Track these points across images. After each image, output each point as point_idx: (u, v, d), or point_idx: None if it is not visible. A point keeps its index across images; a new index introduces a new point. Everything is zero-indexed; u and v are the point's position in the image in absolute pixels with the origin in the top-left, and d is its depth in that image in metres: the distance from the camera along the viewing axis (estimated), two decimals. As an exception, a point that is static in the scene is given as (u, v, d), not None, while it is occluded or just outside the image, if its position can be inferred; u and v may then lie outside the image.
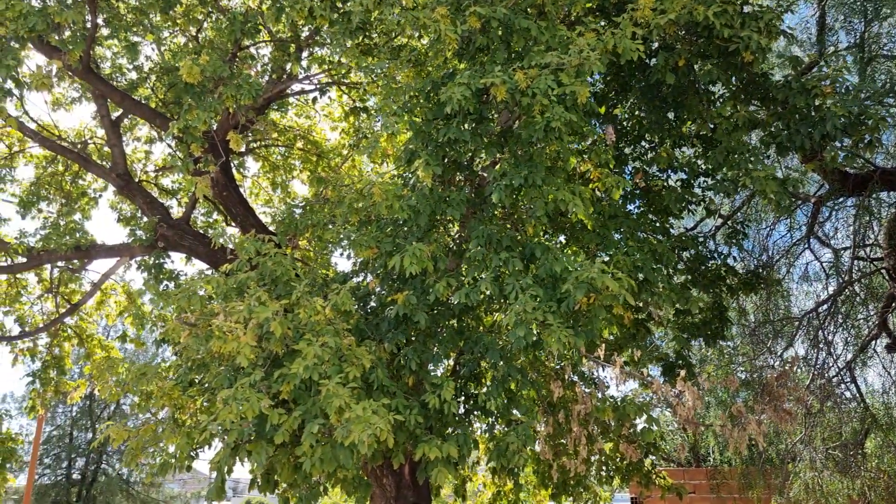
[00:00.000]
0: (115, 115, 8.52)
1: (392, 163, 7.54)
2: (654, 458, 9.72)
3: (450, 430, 5.18)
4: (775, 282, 8.26)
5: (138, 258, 8.03)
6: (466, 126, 5.19)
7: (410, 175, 5.49)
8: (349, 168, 9.04)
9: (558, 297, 4.68)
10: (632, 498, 12.48)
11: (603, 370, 6.10)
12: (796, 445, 10.17)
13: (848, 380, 9.43)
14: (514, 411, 5.37)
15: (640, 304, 7.37)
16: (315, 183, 7.97)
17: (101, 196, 9.59)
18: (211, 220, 9.30)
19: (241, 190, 8.76)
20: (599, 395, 5.91)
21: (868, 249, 9.19)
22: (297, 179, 10.04)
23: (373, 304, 5.89)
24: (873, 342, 9.36)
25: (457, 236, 6.01)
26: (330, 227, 5.94)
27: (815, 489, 9.66)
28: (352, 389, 4.25)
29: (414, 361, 5.11)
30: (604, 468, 9.00)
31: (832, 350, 9.37)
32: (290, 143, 9.43)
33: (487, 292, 4.78)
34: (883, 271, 8.72)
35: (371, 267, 5.99)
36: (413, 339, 5.32)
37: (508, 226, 5.62)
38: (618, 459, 8.91)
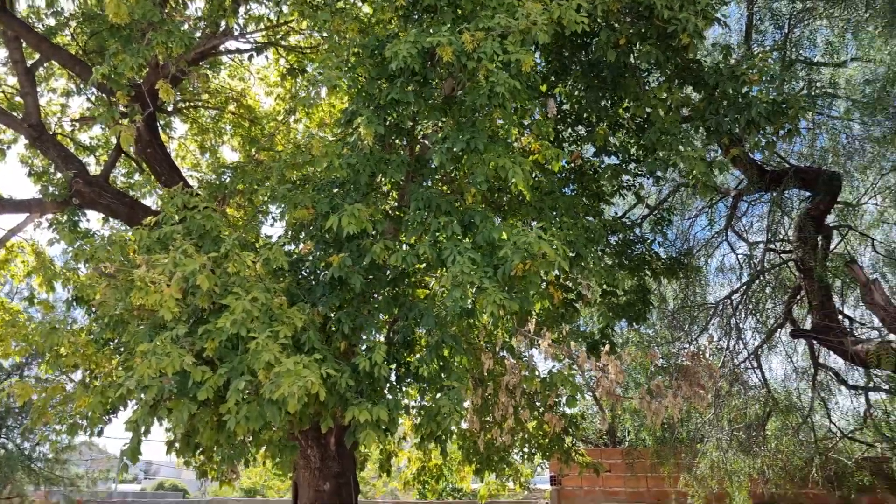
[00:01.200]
0: (29, 62, 7.94)
1: (330, 131, 7.38)
2: (573, 437, 10.01)
3: (381, 395, 5.14)
4: (695, 269, 8.64)
5: (49, 215, 7.53)
6: (410, 88, 5.13)
7: (350, 136, 5.38)
8: (284, 135, 8.77)
9: (495, 264, 4.72)
10: (551, 476, 12.81)
11: (532, 345, 6.20)
12: (705, 426, 10.70)
13: (754, 365, 10.00)
14: (446, 378, 5.38)
15: (570, 284, 7.57)
16: (247, 145, 7.68)
17: (9, 148, 8.92)
18: (132, 182, 8.81)
19: (167, 151, 8.35)
20: (528, 366, 6.00)
21: (779, 244, 9.76)
22: (228, 145, 9.67)
23: (306, 269, 5.75)
24: (779, 330, 9.94)
25: (396, 203, 5.96)
26: (262, 187, 5.74)
27: (720, 467, 10.20)
28: (282, 346, 4.12)
29: (347, 325, 5.03)
30: (526, 445, 9.22)
31: (742, 336, 9.91)
32: (221, 106, 9.06)
33: (425, 256, 4.75)
34: (791, 264, 9.27)
35: (305, 231, 5.85)
36: (347, 303, 5.23)
37: (448, 192, 5.61)
38: (540, 436, 9.15)
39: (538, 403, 8.72)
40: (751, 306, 9.92)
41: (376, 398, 4.97)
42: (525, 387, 5.71)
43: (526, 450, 9.29)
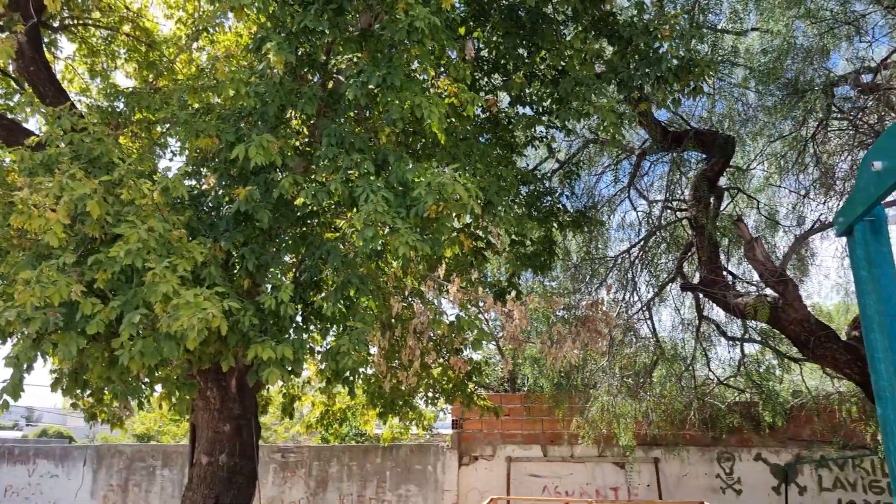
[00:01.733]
0: None
1: (237, 62, 6.96)
2: (476, 382, 10.33)
3: (286, 335, 5.04)
4: (598, 223, 8.98)
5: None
6: (325, 17, 4.90)
7: (259, 63, 5.09)
8: (185, 64, 8.19)
9: (408, 205, 4.68)
10: (453, 420, 13.22)
11: (441, 291, 6.27)
12: (598, 373, 11.34)
13: (646, 317, 10.63)
14: (352, 319, 5.35)
15: (480, 233, 7.68)
16: (144, 71, 7.11)
17: None
18: (11, 104, 7.99)
19: (53, 72, 7.61)
20: (436, 311, 6.08)
21: (676, 203, 10.30)
22: (121, 71, 8.92)
23: (208, 203, 5.47)
24: (670, 284, 10.58)
25: (306, 138, 5.75)
26: (161, 110, 5.35)
27: (609, 411, 10.88)
28: (181, 279, 3.92)
29: (251, 262, 4.86)
30: (430, 390, 9.43)
31: (636, 290, 10.47)
32: (114, 27, 8.31)
33: (337, 194, 4.63)
34: (685, 222, 9.83)
35: (208, 164, 5.55)
36: (252, 239, 5.04)
37: (361, 130, 5.47)
38: (444, 382, 9.37)
39: (444, 350, 8.91)
40: (646, 261, 10.48)
41: (281, 338, 4.88)
42: (433, 330, 5.78)
43: (430, 394, 9.52)
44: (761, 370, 11.49)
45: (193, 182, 6.05)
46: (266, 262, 5.00)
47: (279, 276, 4.98)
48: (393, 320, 6.32)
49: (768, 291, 7.89)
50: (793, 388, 11.85)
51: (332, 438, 14.75)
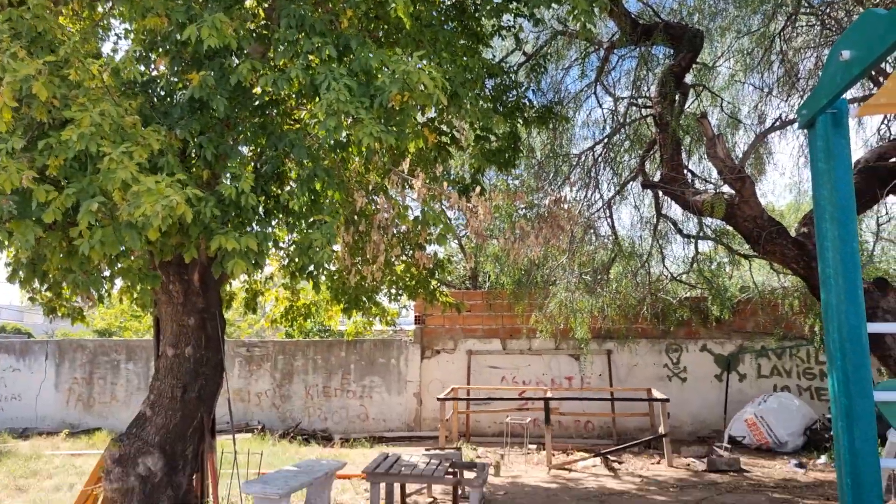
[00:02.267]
0: None
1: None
2: (438, 279, 10.52)
3: (248, 227, 4.99)
4: (564, 119, 8.92)
5: None
6: None
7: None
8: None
9: (371, 94, 4.53)
10: (416, 316, 13.58)
11: (405, 186, 6.22)
12: (557, 270, 11.67)
13: (607, 215, 10.83)
14: (318, 213, 5.30)
15: (444, 128, 7.55)
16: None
17: None
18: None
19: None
20: (401, 205, 6.06)
21: (641, 100, 10.25)
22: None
23: (161, 90, 5.21)
24: (631, 183, 10.72)
25: (262, 21, 5.43)
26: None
27: (567, 306, 11.30)
28: (138, 165, 3.78)
29: (209, 152, 4.71)
30: (394, 287, 9.58)
31: (598, 187, 10.60)
32: None
33: (297, 80, 4.45)
34: (650, 119, 9.83)
35: (158, 47, 5.23)
36: (209, 128, 4.86)
37: (322, 12, 5.18)
38: (407, 278, 9.52)
39: (409, 246, 9.00)
40: (609, 159, 10.55)
41: (243, 230, 4.83)
42: (398, 225, 5.79)
43: (393, 291, 9.68)
44: (713, 267, 11.98)
45: (143, 67, 5.72)
46: (225, 152, 4.85)
47: (239, 166, 4.85)
48: (356, 216, 6.29)
49: (726, 189, 8.08)
50: (741, 284, 12.45)
51: (296, 334, 15.03)
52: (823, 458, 10.21)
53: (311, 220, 5.19)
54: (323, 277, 5.95)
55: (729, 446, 10.99)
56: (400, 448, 11.04)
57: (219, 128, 4.85)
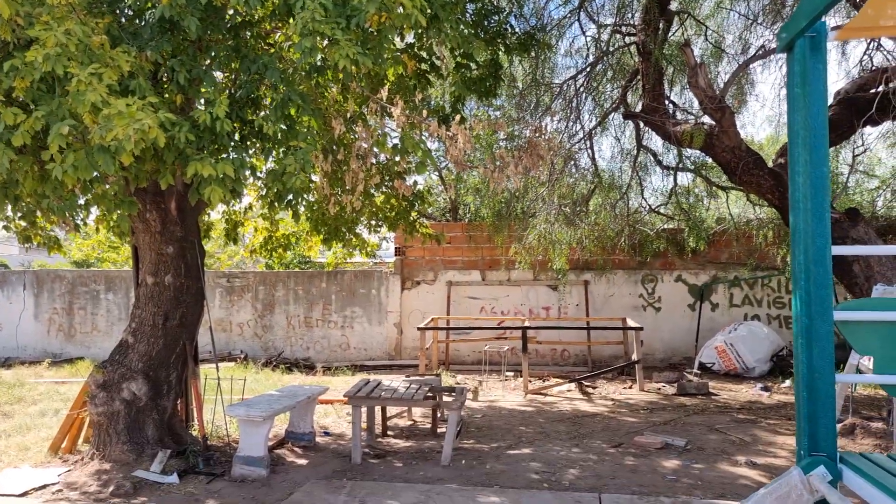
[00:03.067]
0: None
1: None
2: (418, 210, 10.52)
3: (224, 153, 4.91)
4: (547, 46, 8.75)
5: None
6: None
7: None
8: None
9: (348, 14, 4.40)
10: (396, 247, 13.65)
11: (384, 114, 6.11)
12: (537, 202, 11.72)
13: (587, 146, 10.81)
14: (293, 139, 5.23)
15: (424, 54, 7.38)
16: None
17: None
18: None
19: None
20: (379, 133, 5.98)
21: (626, 28, 10.05)
22: None
23: (129, 9, 5.00)
24: (612, 114, 10.66)
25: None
26: None
27: (546, 237, 11.42)
28: (108, 87, 3.67)
29: (182, 75, 4.58)
30: (374, 218, 9.58)
31: (580, 118, 10.52)
32: None
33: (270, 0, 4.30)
34: (633, 48, 9.68)
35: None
36: (181, 50, 4.70)
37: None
38: (387, 210, 9.51)
39: (388, 177, 8.94)
40: (591, 89, 10.43)
41: (219, 156, 4.76)
42: (377, 151, 5.73)
43: (373, 222, 9.69)
44: (690, 199, 12.12)
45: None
46: (198, 76, 4.72)
47: (213, 91, 4.74)
48: (335, 145, 6.20)
49: (706, 119, 8.08)
50: (717, 216, 12.64)
51: (276, 265, 15.07)
52: (787, 382, 10.69)
53: (287, 146, 5.12)
54: (302, 207, 5.92)
55: (699, 372, 11.42)
56: (381, 376, 11.32)
57: (191, 50, 4.70)
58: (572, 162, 10.97)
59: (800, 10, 2.88)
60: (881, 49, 8.53)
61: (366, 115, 6.27)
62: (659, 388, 10.68)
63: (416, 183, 8.90)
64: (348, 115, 6.11)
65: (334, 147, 6.50)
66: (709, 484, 5.99)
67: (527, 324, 11.23)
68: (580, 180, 11.44)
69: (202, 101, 4.68)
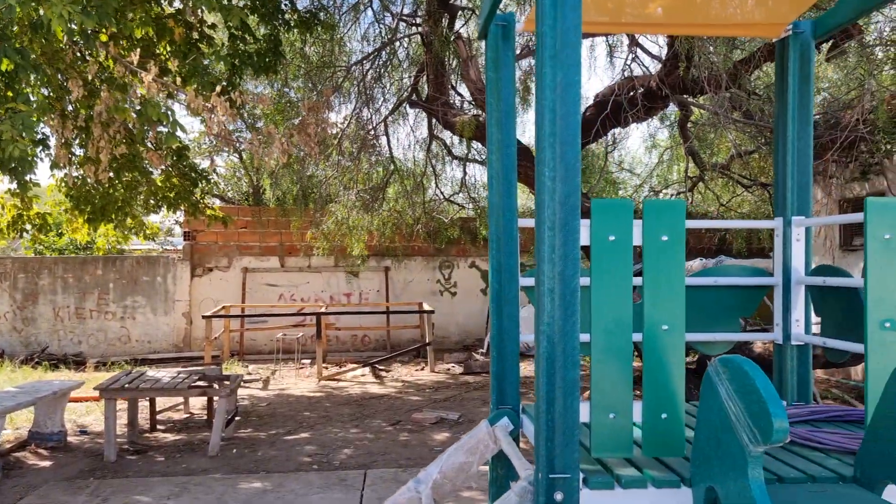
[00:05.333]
0: None
1: None
2: (202, 190, 9.95)
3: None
4: (331, 27, 8.67)
5: None
6: None
7: None
8: None
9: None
10: (185, 232, 12.81)
11: (134, 77, 5.64)
12: (336, 188, 11.67)
13: (381, 133, 10.95)
14: (13, 101, 4.65)
15: (193, 21, 6.96)
16: None
17: None
18: None
19: None
20: (122, 96, 5.51)
21: (416, 18, 10.28)
22: None
23: None
24: (407, 102, 10.88)
25: None
26: None
27: (344, 223, 11.42)
28: None
29: None
30: (152, 198, 8.90)
31: (373, 103, 10.61)
32: None
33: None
34: (419, 38, 9.94)
35: None
36: None
37: None
38: (167, 189, 8.89)
39: (173, 155, 8.33)
40: (383, 76, 10.56)
41: None
42: (117, 118, 5.27)
43: (151, 202, 9.00)
44: (480, 189, 12.78)
45: None
46: None
47: None
48: (76, 105, 5.60)
49: (478, 111, 8.53)
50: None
51: (46, 251, 13.47)
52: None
53: (7, 108, 4.54)
54: (32, 177, 5.28)
55: (485, 351, 12.12)
56: (166, 369, 10.60)
57: None
58: (369, 149, 11.05)
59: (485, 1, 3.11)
60: (637, 60, 9.60)
61: (115, 78, 5.73)
62: (449, 369, 11.17)
63: (192, 165, 8.40)
64: (90, 78, 5.56)
65: (77, 110, 5.89)
66: (464, 452, 6.35)
67: (327, 310, 11.15)
68: (376, 166, 11.56)
69: None
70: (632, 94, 8.57)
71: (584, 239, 2.10)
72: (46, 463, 6.22)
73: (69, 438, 6.94)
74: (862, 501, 1.69)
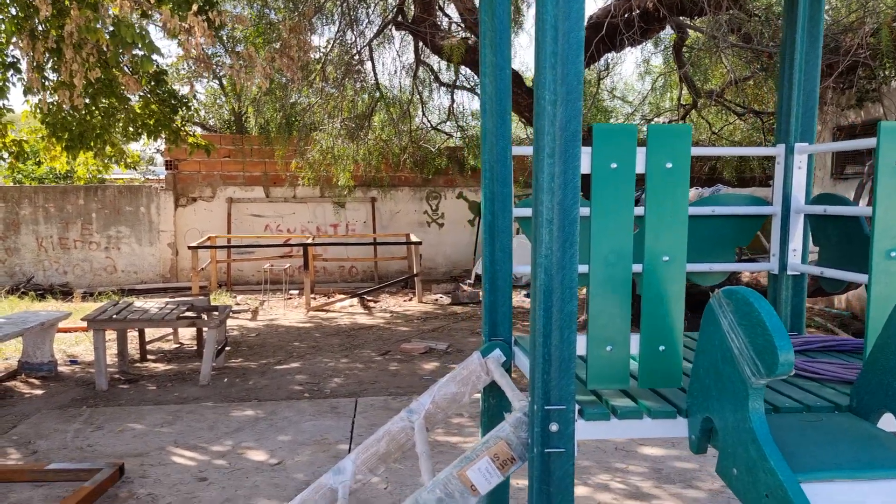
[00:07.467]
0: None
1: None
2: (185, 117, 9.65)
3: None
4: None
5: None
6: None
7: None
8: None
9: None
10: (167, 161, 12.51)
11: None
12: (320, 116, 11.36)
13: (366, 58, 10.56)
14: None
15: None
16: None
17: None
18: None
19: None
20: (95, 16, 5.19)
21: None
22: None
23: None
24: (391, 25, 10.45)
25: None
26: None
27: (329, 153, 11.18)
28: None
29: None
30: (131, 125, 8.61)
31: (357, 25, 10.18)
32: None
33: None
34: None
35: None
36: None
37: None
38: (146, 116, 8.60)
39: (150, 80, 7.99)
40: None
41: None
42: (89, 39, 4.99)
43: (130, 129, 8.72)
44: (468, 117, 12.51)
45: None
46: None
47: None
48: (46, 25, 5.27)
49: (468, 34, 8.20)
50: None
51: (25, 180, 13.15)
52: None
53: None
54: (5, 103, 5.03)
55: (473, 282, 12.18)
56: (154, 300, 10.58)
57: None
58: (353, 74, 10.68)
59: None
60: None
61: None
62: (436, 300, 11.23)
63: (172, 92, 8.09)
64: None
65: (42, 31, 5.55)
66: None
67: (314, 242, 11.07)
68: (361, 93, 11.23)
69: None
70: (627, 14, 8.27)
71: (583, 168, 2.02)
72: (38, 392, 6.24)
73: (59, 368, 6.95)
74: (856, 429, 1.69)
